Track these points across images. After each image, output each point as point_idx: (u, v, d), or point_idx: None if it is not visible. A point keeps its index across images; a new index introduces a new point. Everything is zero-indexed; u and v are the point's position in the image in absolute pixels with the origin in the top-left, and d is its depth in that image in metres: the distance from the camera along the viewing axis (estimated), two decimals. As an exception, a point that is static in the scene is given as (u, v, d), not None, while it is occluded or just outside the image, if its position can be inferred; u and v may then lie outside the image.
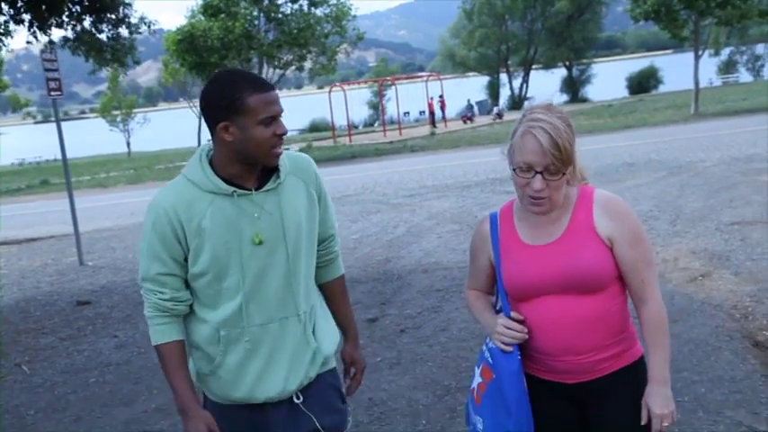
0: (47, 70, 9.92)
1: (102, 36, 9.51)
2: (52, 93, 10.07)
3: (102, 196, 21.50)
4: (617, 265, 2.15)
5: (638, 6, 25.62)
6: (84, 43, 9.38)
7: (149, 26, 10.66)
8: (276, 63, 28.22)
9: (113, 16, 9.12)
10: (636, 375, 2.22)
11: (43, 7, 8.45)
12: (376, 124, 43.08)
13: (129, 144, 46.70)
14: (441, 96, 36.82)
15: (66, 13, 8.84)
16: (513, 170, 2.11)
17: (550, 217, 2.18)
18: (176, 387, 2.21)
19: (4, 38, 9.12)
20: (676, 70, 48.94)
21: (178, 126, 71.15)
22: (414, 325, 5.91)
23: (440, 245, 8.91)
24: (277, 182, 2.18)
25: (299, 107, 47.38)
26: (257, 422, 2.25)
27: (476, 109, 40.58)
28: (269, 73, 28.28)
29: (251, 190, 2.16)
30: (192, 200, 2.14)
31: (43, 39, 10.11)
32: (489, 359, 2.27)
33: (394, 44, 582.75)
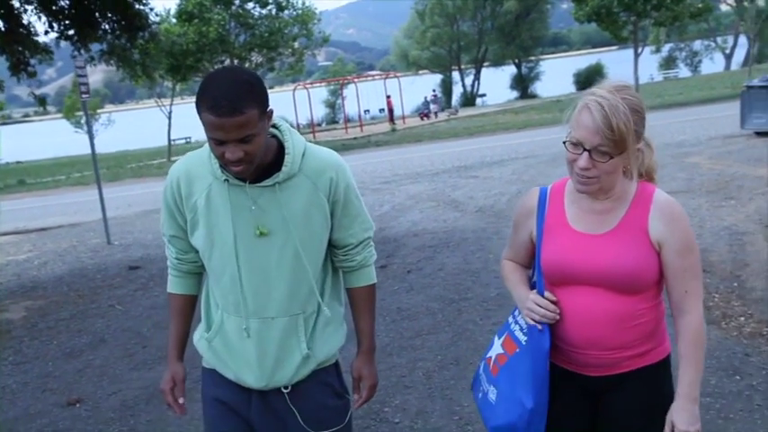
0: (79, 76, 11.48)
1: (135, 52, 11.05)
2: (83, 96, 11.64)
3: (87, 192, 22.61)
4: (660, 271, 2.08)
5: (581, 9, 27.82)
6: (117, 57, 10.93)
7: (173, 44, 12.15)
8: (248, 65, 29.94)
9: (146, 34, 10.69)
10: (657, 375, 2.18)
11: (86, 26, 9.98)
12: (341, 122, 44.73)
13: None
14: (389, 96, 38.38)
15: (105, 28, 10.38)
16: (564, 143, 2.05)
17: (604, 206, 2.11)
18: (169, 336, 2.44)
19: (53, 54, 10.66)
20: (620, 66, 51.48)
21: (134, 127, 71.64)
22: (416, 268, 7.71)
23: (423, 217, 10.71)
24: (274, 181, 2.13)
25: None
26: (242, 398, 2.29)
27: (432, 107, 42.51)
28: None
29: (245, 182, 2.13)
30: (196, 176, 2.18)
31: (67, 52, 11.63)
32: (518, 332, 2.24)
33: (343, 43, 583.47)
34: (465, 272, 7.26)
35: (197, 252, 2.29)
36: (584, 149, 1.98)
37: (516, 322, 2.27)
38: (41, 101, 12.40)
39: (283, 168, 2.13)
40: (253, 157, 2.01)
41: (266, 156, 2.12)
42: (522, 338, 2.21)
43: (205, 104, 1.94)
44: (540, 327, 2.14)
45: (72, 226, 15.00)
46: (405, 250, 8.66)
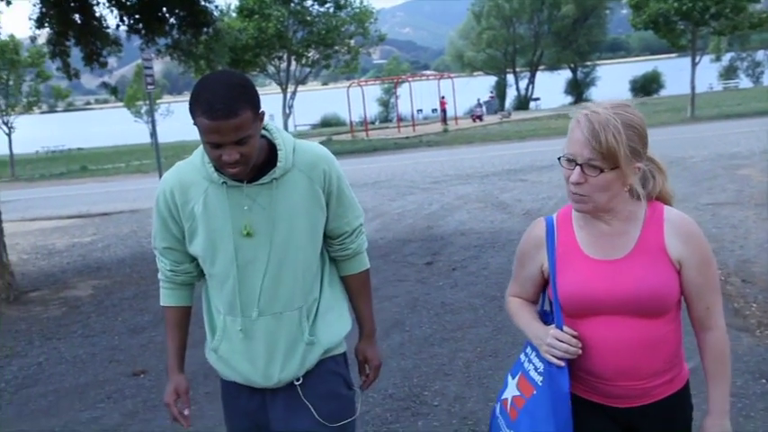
0: (145, 68, 12.07)
1: (200, 47, 11.61)
2: (148, 87, 12.21)
3: (146, 180, 23.38)
4: (681, 289, 2.05)
5: (638, 16, 27.64)
6: (181, 51, 11.49)
7: (236, 39, 12.67)
8: (304, 61, 30.62)
9: (210, 30, 11.23)
10: (685, 400, 2.18)
11: (153, 20, 10.56)
12: (394, 120, 45.09)
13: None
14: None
15: (172, 23, 10.94)
16: (558, 159, 2.04)
17: (615, 229, 2.06)
18: (168, 348, 2.47)
19: (122, 46, 11.29)
20: (678, 75, 50.75)
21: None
22: (461, 266, 7.99)
23: (470, 217, 10.98)
24: (271, 177, 2.18)
25: (304, 102, 48.92)
26: (257, 404, 2.33)
27: (484, 108, 42.53)
28: (296, 71, 30.70)
29: (243, 182, 2.17)
30: (190, 183, 2.20)
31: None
32: (532, 372, 2.16)
33: (399, 42, 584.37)
34: (508, 271, 7.35)
35: (191, 262, 2.35)
36: (577, 164, 1.97)
37: (530, 361, 2.18)
38: (114, 90, 13.02)
39: (278, 164, 2.18)
40: (249, 159, 2.07)
41: (259, 156, 2.16)
42: (538, 379, 2.13)
43: (200, 109, 1.98)
44: (562, 363, 2.05)
45: (132, 212, 15.62)
46: (451, 248, 8.94)
